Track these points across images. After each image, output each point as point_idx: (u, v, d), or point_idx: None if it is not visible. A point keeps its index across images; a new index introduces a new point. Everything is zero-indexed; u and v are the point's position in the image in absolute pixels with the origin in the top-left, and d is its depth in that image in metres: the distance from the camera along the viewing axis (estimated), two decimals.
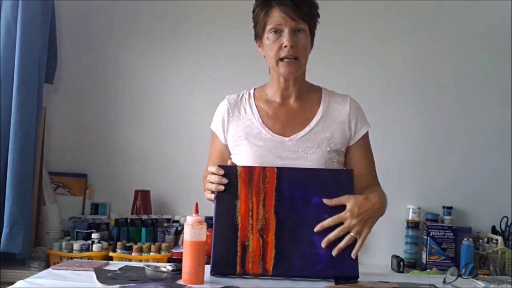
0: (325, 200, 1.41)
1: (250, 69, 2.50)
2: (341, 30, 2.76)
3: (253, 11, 1.62)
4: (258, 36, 1.62)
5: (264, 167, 1.45)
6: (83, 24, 2.94)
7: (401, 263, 2.61)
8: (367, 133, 1.66)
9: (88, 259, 2.35)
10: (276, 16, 1.54)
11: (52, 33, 2.65)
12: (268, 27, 1.56)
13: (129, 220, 2.63)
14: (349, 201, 1.41)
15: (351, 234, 1.39)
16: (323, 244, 1.38)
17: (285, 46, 1.53)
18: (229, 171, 1.44)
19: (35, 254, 2.49)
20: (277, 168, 1.44)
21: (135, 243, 2.50)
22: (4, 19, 2.42)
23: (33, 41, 2.43)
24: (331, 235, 1.39)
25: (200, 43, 2.90)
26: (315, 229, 1.39)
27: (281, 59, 1.56)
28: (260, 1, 1.59)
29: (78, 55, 2.93)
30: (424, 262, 2.69)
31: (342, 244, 1.38)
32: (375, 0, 2.85)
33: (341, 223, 1.40)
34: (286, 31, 1.54)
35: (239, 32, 2.64)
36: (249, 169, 1.44)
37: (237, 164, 1.52)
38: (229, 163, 1.51)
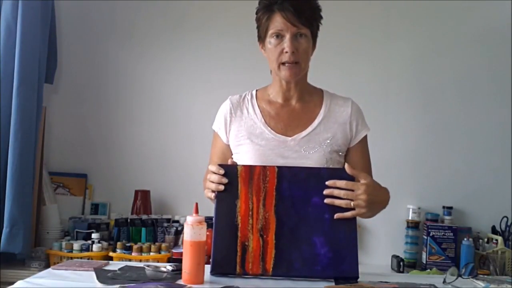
0: (346, 166, 1.42)
1: (251, 69, 2.51)
2: (341, 30, 2.76)
3: (256, 13, 1.62)
4: (261, 38, 1.63)
5: (265, 166, 1.45)
6: (83, 24, 2.94)
7: (401, 263, 2.61)
8: (366, 137, 1.69)
9: (88, 259, 2.35)
10: (277, 21, 1.55)
11: (52, 33, 2.65)
12: (270, 32, 1.57)
13: (129, 220, 2.63)
14: (367, 179, 1.43)
15: (352, 202, 1.40)
16: (329, 182, 1.40)
17: (286, 52, 1.55)
18: (230, 171, 1.44)
19: (35, 254, 2.49)
20: (278, 167, 1.44)
21: (135, 243, 2.50)
22: (4, 19, 2.42)
23: (33, 41, 2.43)
24: (338, 183, 1.40)
25: (200, 43, 2.90)
26: (327, 182, 1.40)
27: (283, 63, 1.57)
28: (263, 5, 1.60)
29: (78, 55, 2.93)
30: (424, 262, 2.69)
31: (337, 202, 1.40)
32: (375, 0, 2.85)
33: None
34: (287, 37, 1.55)
35: (240, 32, 2.65)
36: (249, 168, 1.44)
37: (238, 164, 1.52)
38: (229, 162, 1.51)
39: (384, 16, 2.87)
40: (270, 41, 1.58)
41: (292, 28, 1.54)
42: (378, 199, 1.45)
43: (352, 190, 1.41)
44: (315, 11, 1.60)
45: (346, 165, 1.44)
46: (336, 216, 1.40)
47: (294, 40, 1.55)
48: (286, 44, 1.55)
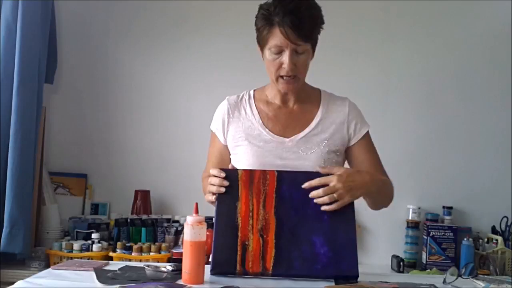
0: (318, 167, 1.45)
1: (250, 70, 2.49)
2: (341, 30, 2.76)
3: (256, 22, 1.59)
4: (260, 44, 1.61)
5: (265, 171, 1.46)
6: (83, 24, 2.94)
7: (401, 263, 2.61)
8: (367, 133, 1.68)
9: (88, 259, 2.35)
10: (277, 37, 1.51)
11: (52, 33, 2.65)
12: (269, 45, 1.54)
13: (129, 220, 2.63)
14: (340, 169, 1.44)
15: (334, 195, 1.40)
16: (304, 185, 1.42)
17: (285, 67, 1.53)
18: (230, 174, 1.45)
19: (35, 254, 2.49)
20: (277, 171, 1.45)
21: (135, 243, 2.50)
22: (4, 19, 2.42)
23: (33, 41, 2.43)
24: (313, 182, 1.42)
25: (200, 43, 2.90)
26: (303, 186, 1.42)
27: (281, 76, 1.56)
28: (262, 16, 1.55)
29: (78, 55, 2.93)
30: (424, 262, 2.69)
31: (320, 200, 1.41)
32: (375, 0, 2.85)
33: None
34: (287, 52, 1.52)
35: (239, 32, 2.64)
36: (249, 172, 1.45)
37: (237, 167, 1.53)
38: (229, 166, 1.52)
39: (384, 16, 2.87)
40: (269, 53, 1.55)
41: (291, 45, 1.51)
42: (355, 184, 1.44)
43: (328, 185, 1.42)
44: (316, 24, 1.56)
45: (317, 166, 1.46)
46: (323, 208, 1.41)
47: (293, 55, 1.53)
48: (285, 59, 1.52)
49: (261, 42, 1.58)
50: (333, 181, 1.41)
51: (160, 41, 2.92)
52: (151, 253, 2.44)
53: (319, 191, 1.42)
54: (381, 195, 1.62)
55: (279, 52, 1.53)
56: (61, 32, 2.83)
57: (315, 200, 1.42)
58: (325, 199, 1.41)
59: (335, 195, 1.41)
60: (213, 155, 1.72)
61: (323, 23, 1.59)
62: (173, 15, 2.92)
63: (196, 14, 2.91)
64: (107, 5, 2.92)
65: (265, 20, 1.54)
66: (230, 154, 1.68)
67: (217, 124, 1.70)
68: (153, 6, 2.91)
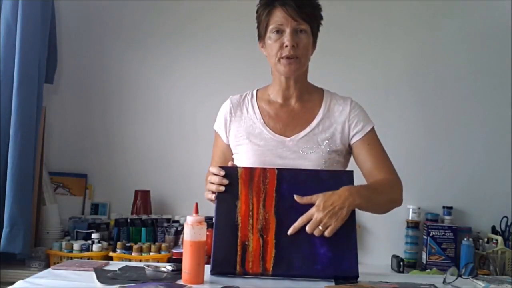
0: (296, 197, 1.40)
1: (253, 72, 2.50)
2: (340, 30, 2.76)
3: (257, 11, 1.63)
4: (261, 36, 1.64)
5: (265, 168, 1.45)
6: (83, 24, 2.94)
7: (401, 263, 2.61)
8: (371, 131, 1.65)
9: (88, 259, 2.35)
10: (278, 16, 1.56)
11: (52, 33, 2.65)
12: (270, 27, 1.58)
13: (129, 220, 2.63)
14: (318, 198, 1.39)
15: (319, 228, 1.37)
16: (290, 232, 1.38)
17: (286, 46, 1.55)
18: (230, 172, 1.45)
19: (35, 254, 2.49)
20: (278, 169, 1.45)
21: (135, 243, 2.50)
22: (4, 19, 2.42)
23: (33, 41, 2.43)
24: (296, 224, 1.38)
25: (202, 44, 2.90)
26: (288, 232, 1.38)
27: (282, 58, 1.57)
28: (263, 1, 1.61)
29: (78, 55, 2.92)
30: (424, 262, 2.69)
31: (316, 233, 1.37)
32: (375, 1, 2.85)
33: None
34: (287, 31, 1.55)
35: (244, 34, 2.64)
36: (249, 170, 1.45)
37: (238, 165, 1.52)
38: (229, 164, 1.51)
39: (384, 16, 2.87)
40: (270, 36, 1.58)
41: (292, 22, 1.55)
42: (336, 206, 1.38)
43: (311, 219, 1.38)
44: (315, 9, 1.61)
45: (295, 196, 1.40)
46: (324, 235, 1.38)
47: (294, 35, 1.55)
48: (286, 38, 1.55)
49: (262, 31, 1.61)
50: (313, 214, 1.38)
51: (160, 41, 2.92)
52: (151, 253, 2.44)
53: (307, 229, 1.38)
54: (374, 201, 1.51)
55: (280, 33, 1.56)
56: (61, 32, 2.83)
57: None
58: (316, 233, 1.37)
59: (320, 227, 1.37)
60: (216, 154, 1.73)
61: (321, 17, 1.62)
62: (174, 16, 2.92)
63: (199, 15, 2.89)
64: (108, 5, 2.92)
65: (266, 4, 1.59)
66: (232, 154, 1.68)
67: (219, 124, 1.71)
68: (154, 6, 2.91)
